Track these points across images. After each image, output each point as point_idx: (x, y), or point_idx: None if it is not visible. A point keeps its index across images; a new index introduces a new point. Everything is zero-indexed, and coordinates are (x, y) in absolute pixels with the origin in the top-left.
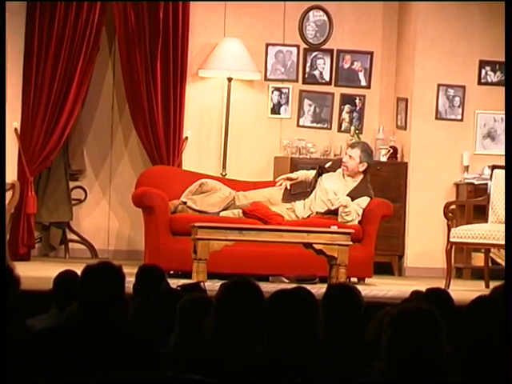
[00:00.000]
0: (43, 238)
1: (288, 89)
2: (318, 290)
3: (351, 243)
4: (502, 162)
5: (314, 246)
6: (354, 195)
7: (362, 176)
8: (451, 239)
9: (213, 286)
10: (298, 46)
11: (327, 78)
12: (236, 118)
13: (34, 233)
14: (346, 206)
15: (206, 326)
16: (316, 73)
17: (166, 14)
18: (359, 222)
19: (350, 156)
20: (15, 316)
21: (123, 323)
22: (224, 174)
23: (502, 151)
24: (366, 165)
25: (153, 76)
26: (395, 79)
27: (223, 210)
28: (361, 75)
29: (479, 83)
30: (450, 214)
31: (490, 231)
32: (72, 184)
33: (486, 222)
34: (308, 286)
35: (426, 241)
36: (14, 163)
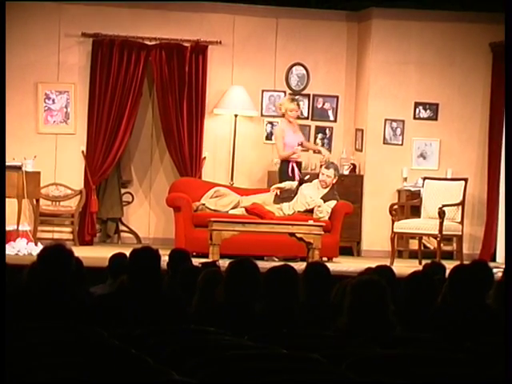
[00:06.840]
0: (102, 229)
1: (278, 122)
2: (299, 266)
3: (323, 233)
4: (432, 175)
5: (296, 234)
6: (325, 199)
7: (330, 186)
8: (394, 230)
9: (224, 263)
10: (284, 92)
11: (306, 115)
12: (240, 143)
13: (95, 225)
14: (319, 206)
15: (219, 292)
16: None
17: (190, 68)
18: (329, 218)
19: (328, 175)
20: (82, 285)
21: (160, 290)
22: (232, 183)
23: (431, 167)
24: (337, 178)
25: (180, 113)
26: (354, 115)
27: (231, 209)
28: (330, 112)
29: (414, 118)
30: (394, 212)
31: (422, 224)
32: (123, 190)
33: (419, 217)
34: (292, 264)
35: (376, 231)
36: (81, 175)
